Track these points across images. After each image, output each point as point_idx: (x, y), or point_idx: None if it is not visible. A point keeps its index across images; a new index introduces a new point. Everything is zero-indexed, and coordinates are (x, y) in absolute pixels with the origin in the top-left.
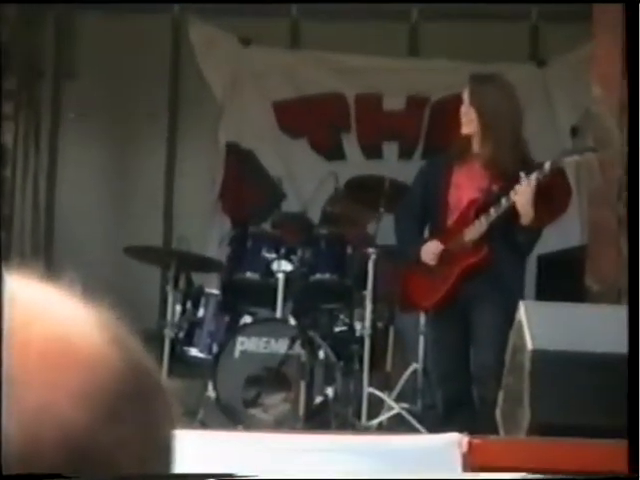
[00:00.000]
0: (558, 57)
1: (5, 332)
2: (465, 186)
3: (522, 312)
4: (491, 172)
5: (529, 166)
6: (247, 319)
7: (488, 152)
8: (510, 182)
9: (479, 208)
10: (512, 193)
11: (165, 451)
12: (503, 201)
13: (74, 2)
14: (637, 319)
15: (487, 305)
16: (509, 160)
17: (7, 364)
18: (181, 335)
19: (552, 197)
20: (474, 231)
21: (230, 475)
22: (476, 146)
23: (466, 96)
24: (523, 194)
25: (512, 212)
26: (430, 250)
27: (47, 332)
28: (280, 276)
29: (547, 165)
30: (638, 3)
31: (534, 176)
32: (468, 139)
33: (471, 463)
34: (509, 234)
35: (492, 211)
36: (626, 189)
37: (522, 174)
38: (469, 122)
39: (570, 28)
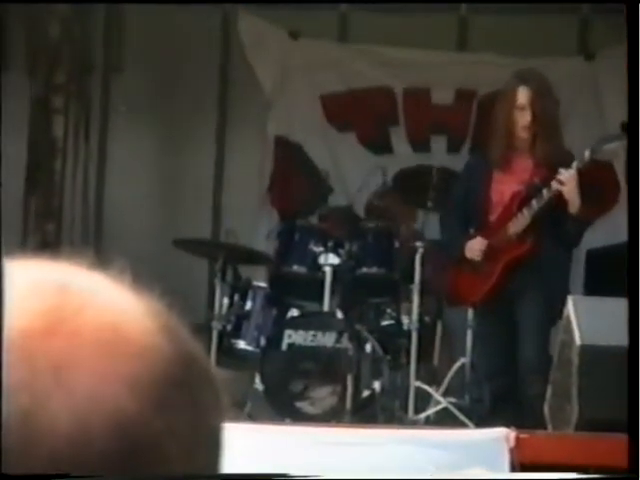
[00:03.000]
0: (606, 50)
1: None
2: (507, 180)
3: (570, 307)
4: (532, 164)
5: (568, 156)
6: (294, 312)
7: (525, 145)
8: (551, 173)
9: (522, 201)
10: (553, 183)
11: (214, 440)
12: (544, 192)
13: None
14: (637, 312)
15: (533, 299)
16: (549, 151)
17: (51, 351)
18: (229, 328)
19: (599, 190)
20: (517, 224)
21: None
22: (524, 143)
23: (522, 97)
24: (566, 183)
25: (556, 203)
26: (475, 247)
27: (98, 320)
28: (327, 269)
29: (587, 153)
30: (638, 3)
31: (574, 164)
32: (511, 135)
33: (518, 458)
34: (554, 226)
35: (534, 203)
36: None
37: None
38: (525, 122)
39: (619, 21)
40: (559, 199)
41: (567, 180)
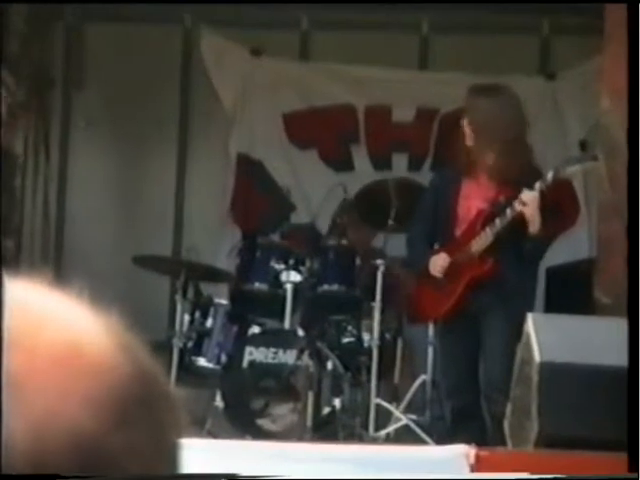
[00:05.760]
0: (567, 70)
1: (5, 336)
2: (473, 197)
3: (530, 324)
4: (498, 182)
5: (536, 175)
6: (255, 329)
7: (489, 163)
8: (517, 192)
9: (486, 219)
10: (516, 203)
11: (171, 458)
12: (507, 211)
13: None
14: (637, 332)
15: (496, 317)
16: (514, 170)
17: (10, 368)
18: (190, 345)
19: (560, 209)
20: (480, 242)
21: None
22: (478, 157)
23: (466, 109)
24: (528, 203)
25: (519, 223)
26: (438, 262)
27: (56, 338)
28: (288, 287)
29: (549, 174)
30: (638, 3)
31: (537, 185)
32: (471, 151)
33: (478, 475)
34: (516, 245)
35: (497, 222)
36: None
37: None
38: (468, 134)
39: (579, 41)
40: (521, 219)
41: (529, 201)
